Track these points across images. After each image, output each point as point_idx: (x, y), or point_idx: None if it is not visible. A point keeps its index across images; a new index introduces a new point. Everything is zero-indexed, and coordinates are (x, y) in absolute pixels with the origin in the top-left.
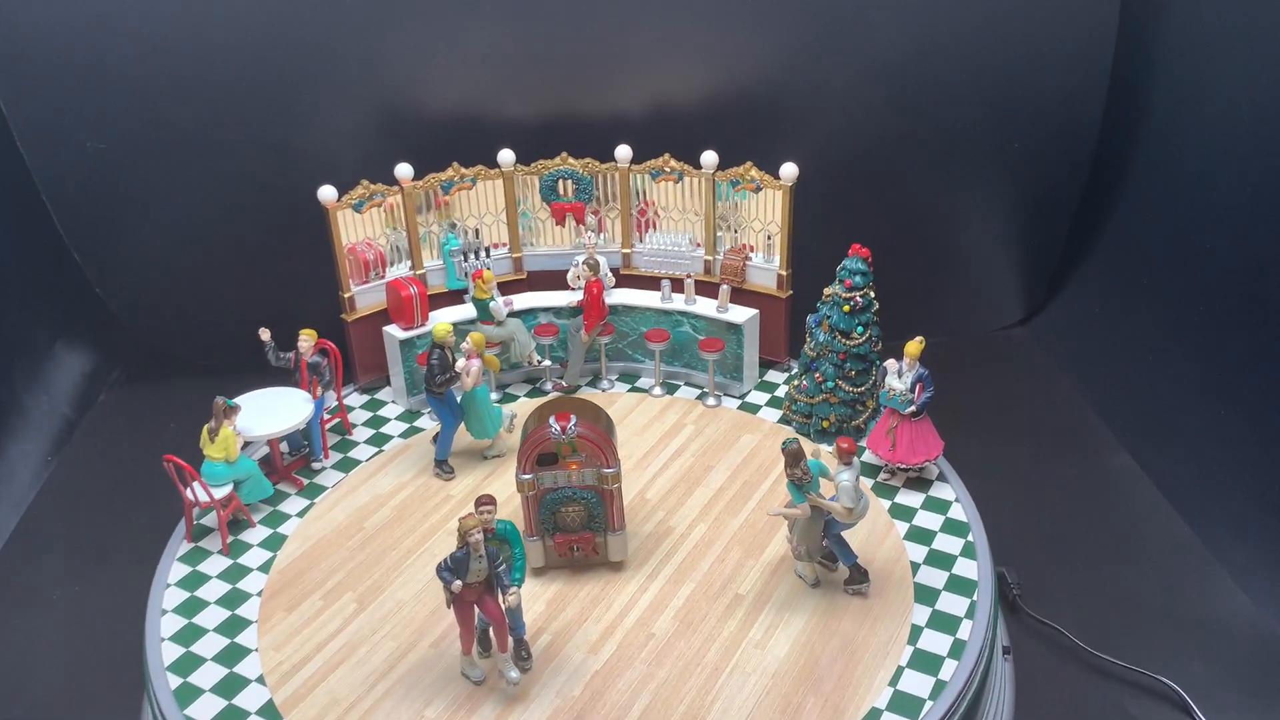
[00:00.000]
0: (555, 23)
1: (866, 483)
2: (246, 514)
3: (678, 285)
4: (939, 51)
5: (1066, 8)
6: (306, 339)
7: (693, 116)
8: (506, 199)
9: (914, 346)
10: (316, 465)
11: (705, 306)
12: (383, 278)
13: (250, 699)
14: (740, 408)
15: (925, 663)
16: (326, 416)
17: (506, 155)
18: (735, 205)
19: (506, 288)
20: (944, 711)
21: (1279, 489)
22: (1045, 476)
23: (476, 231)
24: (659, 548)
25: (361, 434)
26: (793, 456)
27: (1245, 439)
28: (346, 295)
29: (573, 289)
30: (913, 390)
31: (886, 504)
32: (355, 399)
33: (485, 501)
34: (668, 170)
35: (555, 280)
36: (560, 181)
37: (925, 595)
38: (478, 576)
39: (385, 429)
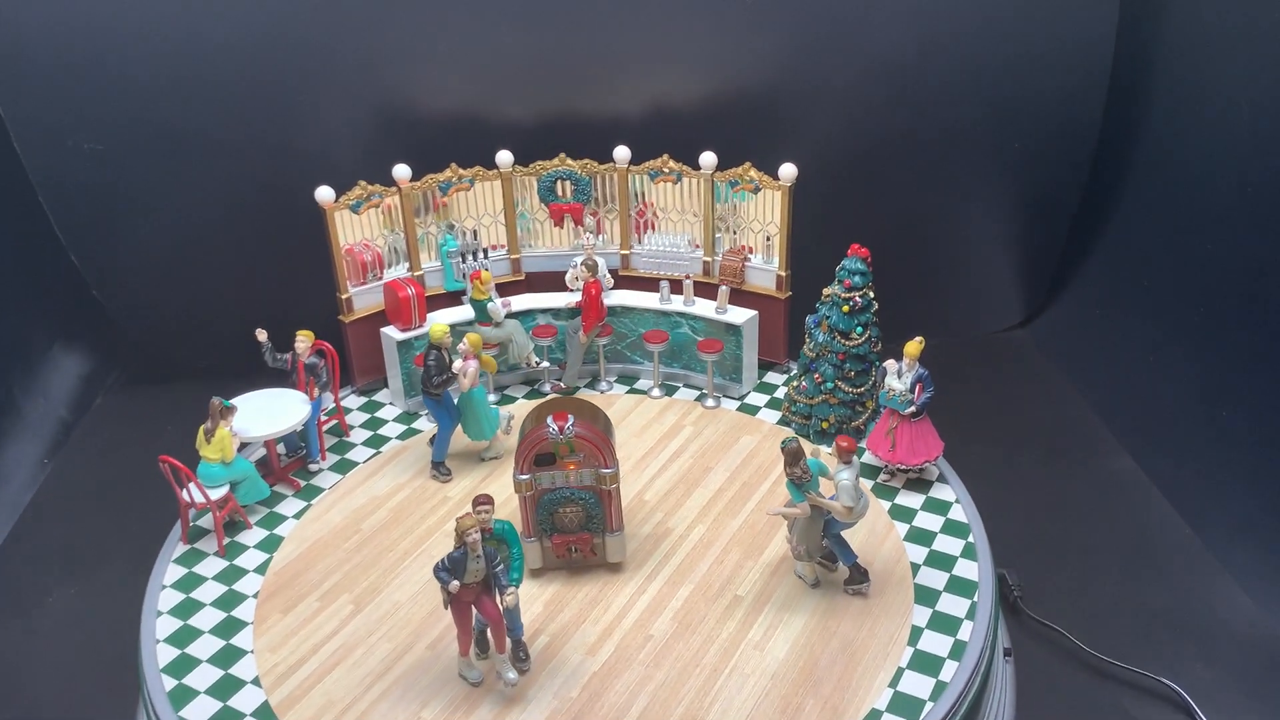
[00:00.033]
0: (553, 23)
1: (866, 483)
2: (243, 515)
3: (676, 286)
4: (938, 52)
5: (1066, 8)
6: (303, 340)
7: (691, 117)
8: (505, 200)
9: (913, 347)
10: (313, 467)
11: (704, 308)
12: (380, 279)
13: (246, 701)
14: (739, 409)
15: (926, 664)
16: (324, 418)
17: (505, 156)
18: (734, 207)
19: (505, 289)
20: (944, 713)
21: None
22: (1046, 478)
23: (474, 233)
24: (657, 549)
25: (359, 435)
26: (792, 455)
27: (1246, 440)
28: (344, 296)
29: (571, 290)
30: (912, 391)
31: (886, 505)
32: (353, 400)
33: (482, 501)
34: (666, 171)
35: (554, 281)
36: (558, 182)
37: (925, 596)
38: (475, 577)
39: (383, 430)
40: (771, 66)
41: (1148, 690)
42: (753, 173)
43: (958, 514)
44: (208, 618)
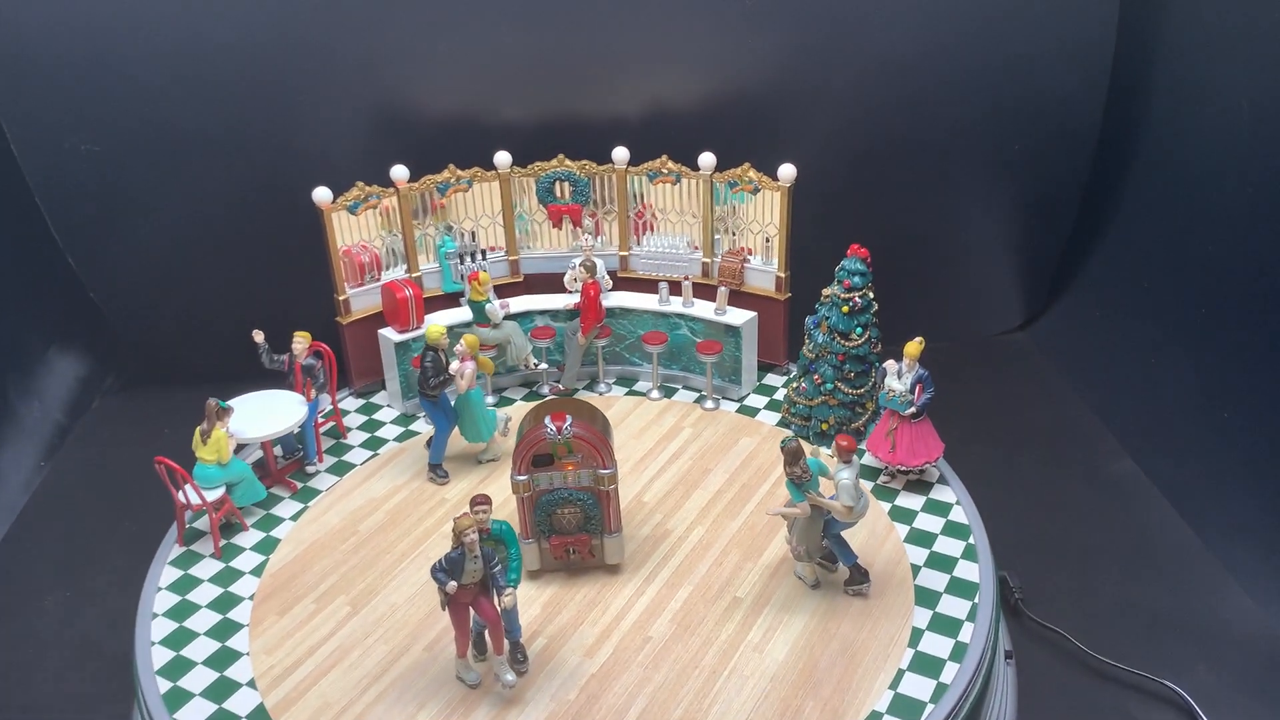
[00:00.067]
0: (552, 24)
1: (866, 485)
2: (239, 517)
3: (675, 288)
4: (938, 53)
5: (1066, 9)
6: (300, 341)
7: (690, 118)
8: (503, 201)
9: (913, 347)
10: (310, 469)
11: (703, 309)
12: (378, 280)
13: (241, 703)
14: (739, 411)
15: (926, 666)
16: (321, 419)
17: (503, 157)
18: (733, 208)
19: (503, 291)
20: (945, 715)
21: None
22: (1047, 480)
23: (473, 234)
24: (656, 550)
25: (356, 437)
26: (792, 455)
27: (1248, 442)
28: (341, 298)
29: (569, 291)
30: (912, 391)
31: (887, 506)
32: (350, 402)
33: (480, 501)
34: (665, 172)
35: (552, 283)
36: (557, 183)
37: (926, 598)
38: (473, 577)
39: (380, 432)
40: (771, 67)
41: (1150, 692)
42: (752, 173)
43: (958, 515)
44: (203, 620)
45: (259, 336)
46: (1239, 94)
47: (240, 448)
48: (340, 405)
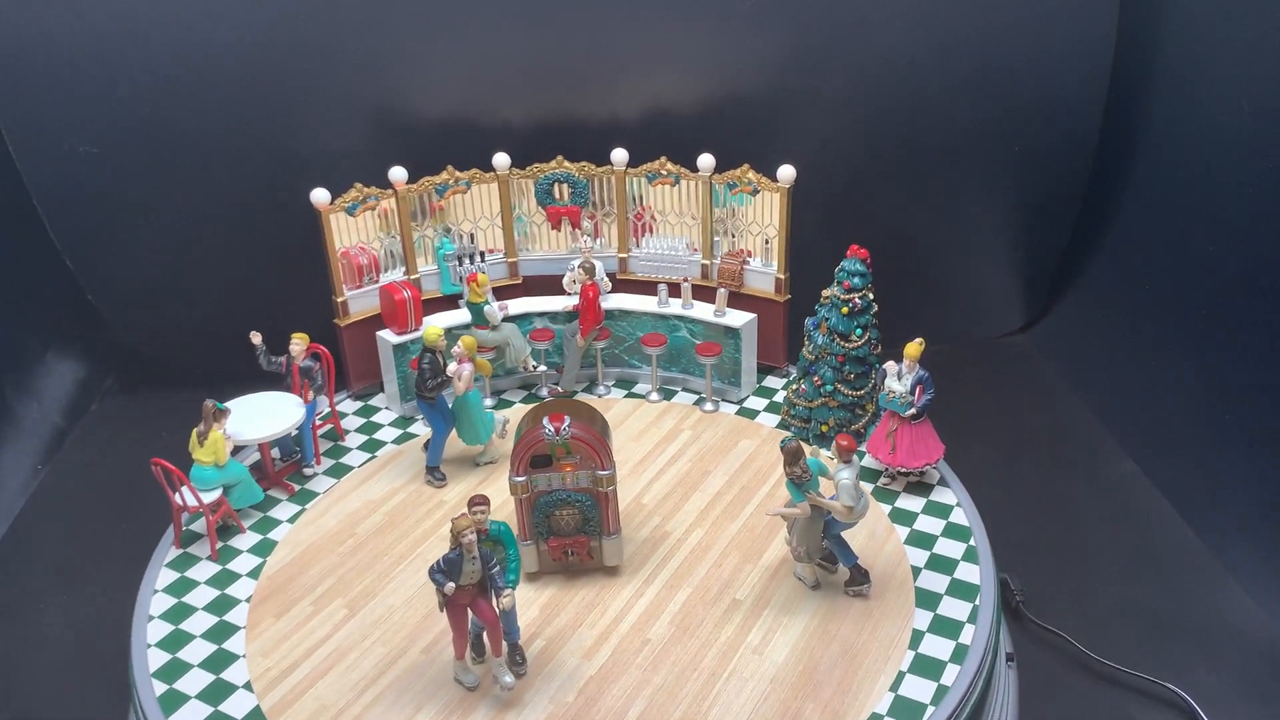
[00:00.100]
0: (551, 26)
1: (866, 486)
2: (236, 520)
3: (675, 289)
4: (937, 54)
5: (1066, 10)
6: (298, 343)
7: (689, 119)
8: (502, 203)
9: (914, 348)
10: (308, 471)
11: (702, 311)
12: (376, 282)
13: (237, 705)
14: (738, 413)
15: (927, 668)
16: (318, 422)
17: (501, 159)
18: (732, 211)
19: (502, 293)
20: (946, 717)
21: None
22: (1048, 483)
23: (471, 236)
24: (655, 552)
25: (354, 440)
26: (791, 454)
27: (1249, 443)
28: (340, 300)
29: (568, 293)
30: (913, 392)
31: (887, 508)
32: (348, 405)
33: (478, 502)
34: (664, 173)
35: (551, 285)
36: (556, 185)
37: (926, 600)
38: (471, 578)
39: (378, 435)
40: (770, 68)
41: (1152, 695)
42: (751, 175)
43: (959, 517)
44: (200, 622)
45: (257, 338)
46: (1239, 94)
47: (238, 450)
48: (338, 407)
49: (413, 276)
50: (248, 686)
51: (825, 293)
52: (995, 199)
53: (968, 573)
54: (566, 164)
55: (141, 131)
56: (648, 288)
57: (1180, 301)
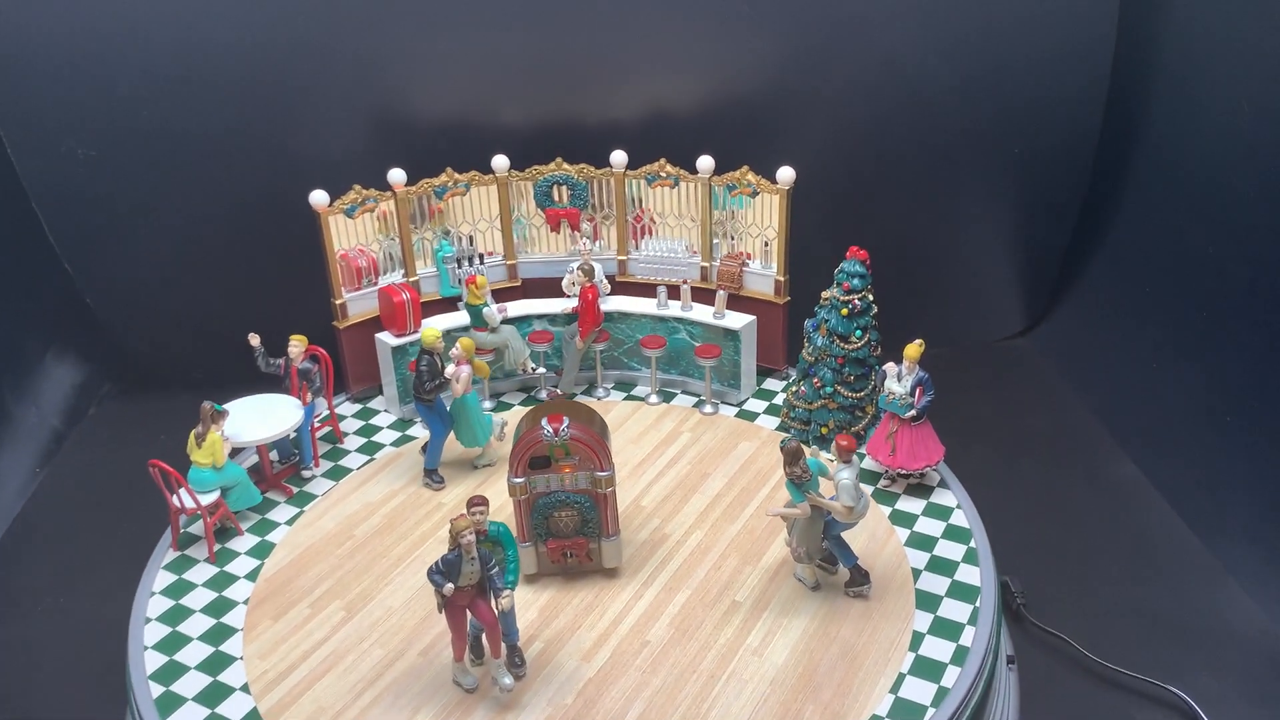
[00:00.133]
0: (550, 28)
1: (867, 488)
2: (234, 522)
3: (674, 292)
4: (938, 56)
5: (1066, 11)
6: (297, 345)
7: (688, 121)
8: (501, 205)
9: (913, 349)
10: (306, 473)
11: (702, 313)
12: (375, 284)
13: (234, 708)
14: (737, 415)
15: (927, 669)
16: (317, 424)
17: (501, 161)
18: (731, 214)
19: (501, 295)
20: (946, 719)
21: None
22: (1049, 485)
23: (470, 238)
24: (654, 554)
25: (353, 442)
26: (791, 454)
27: (1251, 445)
28: (338, 302)
29: (567, 295)
30: (913, 394)
31: (887, 510)
32: (347, 407)
33: (477, 503)
34: (664, 175)
35: (550, 288)
36: (555, 187)
37: (927, 602)
38: (470, 579)
39: (377, 437)
40: (769, 70)
41: (1154, 698)
42: (750, 177)
43: (959, 519)
44: (197, 624)
45: (255, 340)
46: (1239, 95)
47: (236, 452)
48: (337, 409)
49: (412, 279)
50: (245, 689)
51: (825, 294)
52: (995, 200)
53: (968, 574)
54: (566, 166)
55: (139, 135)
56: (647, 290)
57: (1181, 303)
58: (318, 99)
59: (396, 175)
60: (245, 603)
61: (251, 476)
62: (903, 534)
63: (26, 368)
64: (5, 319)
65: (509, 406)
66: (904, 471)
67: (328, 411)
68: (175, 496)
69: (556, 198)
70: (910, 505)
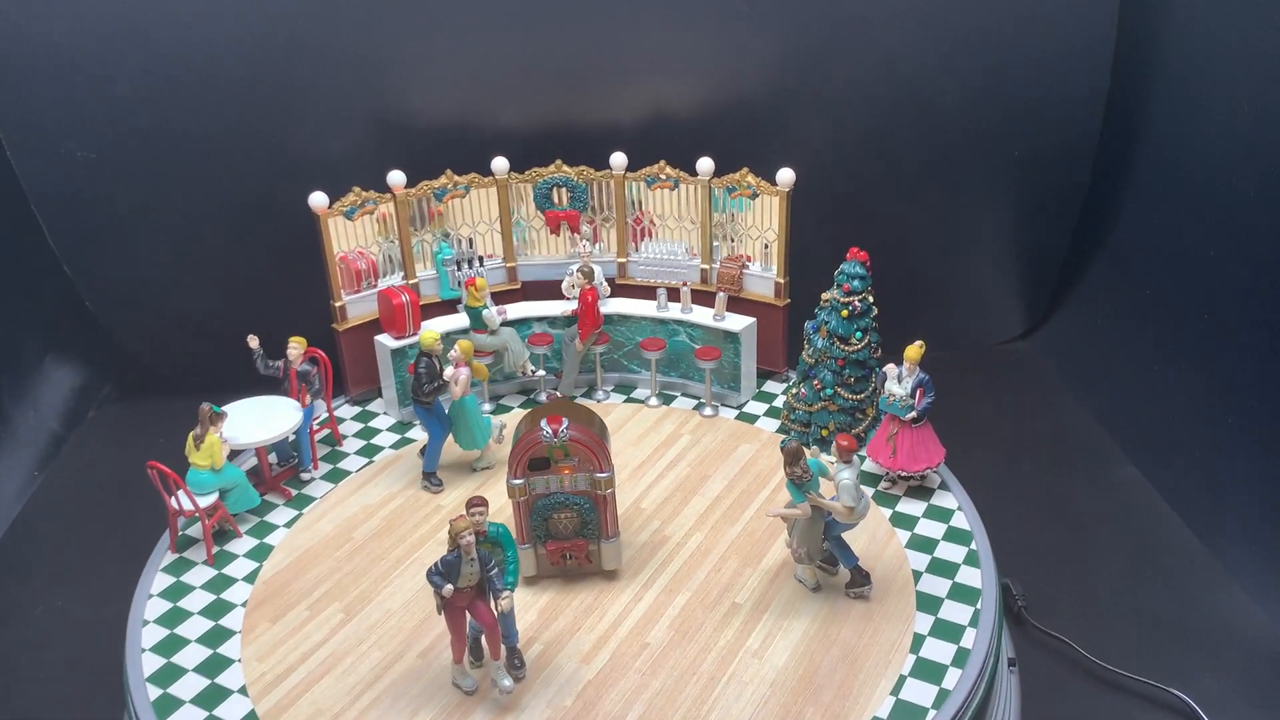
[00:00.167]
0: (550, 30)
1: (867, 489)
2: (233, 524)
3: (674, 294)
4: (937, 58)
5: (1066, 12)
6: (296, 347)
7: (688, 123)
8: (500, 207)
9: (914, 351)
10: (305, 476)
11: (702, 315)
12: (374, 287)
13: (232, 710)
14: (738, 418)
15: (928, 671)
16: (316, 426)
17: (500, 163)
18: (731, 216)
19: (501, 297)
20: None
21: None
22: (1049, 488)
23: (470, 240)
24: (654, 556)
25: (352, 445)
26: (792, 455)
27: (1252, 448)
28: (338, 304)
29: (567, 298)
30: (913, 396)
31: (888, 512)
32: (346, 409)
33: (477, 504)
34: (663, 177)
35: (550, 290)
36: (555, 189)
37: (928, 604)
38: (469, 581)
39: (376, 440)
40: (769, 72)
41: (1156, 700)
42: (750, 178)
43: (960, 521)
44: (195, 626)
45: (254, 342)
46: (1239, 95)
47: (234, 454)
48: (336, 412)
49: (411, 281)
50: (243, 691)
51: (825, 296)
52: (995, 202)
53: (969, 576)
54: (565, 168)
55: (139, 137)
56: (647, 292)
57: (1181, 305)
58: (317, 99)
59: (396, 177)
60: (244, 605)
61: (250, 479)
62: (903, 536)
63: (25, 370)
64: (4, 321)
65: (508, 409)
66: (904, 473)
67: (327, 414)
68: (174, 498)
69: (556, 200)
70: (911, 507)
